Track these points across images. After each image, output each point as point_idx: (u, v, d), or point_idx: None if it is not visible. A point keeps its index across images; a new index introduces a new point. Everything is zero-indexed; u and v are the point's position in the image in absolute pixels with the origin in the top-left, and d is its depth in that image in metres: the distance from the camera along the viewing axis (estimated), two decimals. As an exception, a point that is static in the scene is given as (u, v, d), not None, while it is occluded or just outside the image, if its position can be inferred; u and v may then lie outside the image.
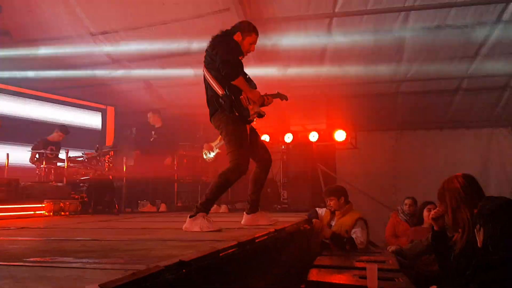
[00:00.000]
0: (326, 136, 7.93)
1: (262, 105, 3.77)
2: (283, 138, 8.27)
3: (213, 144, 7.66)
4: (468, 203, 2.90)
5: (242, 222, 3.87)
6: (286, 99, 4.00)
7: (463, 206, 2.92)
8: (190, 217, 3.40)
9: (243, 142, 3.59)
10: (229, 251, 2.22)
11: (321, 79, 8.52)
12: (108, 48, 7.97)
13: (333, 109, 8.42)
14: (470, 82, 8.59)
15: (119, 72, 8.76)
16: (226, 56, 3.49)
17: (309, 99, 8.34)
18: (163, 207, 7.71)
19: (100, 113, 9.89)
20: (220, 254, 2.11)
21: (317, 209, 5.42)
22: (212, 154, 7.66)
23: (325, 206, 5.54)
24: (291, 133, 8.19)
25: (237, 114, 3.55)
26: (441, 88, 8.79)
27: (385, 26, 7.27)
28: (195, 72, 8.14)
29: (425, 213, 5.22)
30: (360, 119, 8.76)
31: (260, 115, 3.67)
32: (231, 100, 3.52)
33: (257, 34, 3.81)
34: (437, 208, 3.20)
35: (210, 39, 3.69)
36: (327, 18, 7.22)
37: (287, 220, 4.37)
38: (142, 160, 7.99)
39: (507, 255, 2.13)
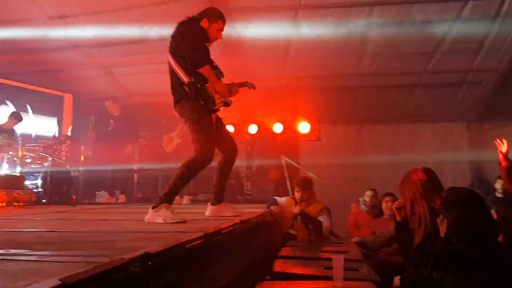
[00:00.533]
0: (290, 127, 7.94)
1: (229, 94, 3.69)
2: (248, 129, 8.22)
3: (172, 135, 7.55)
4: (426, 196, 2.98)
5: (207, 214, 3.80)
6: (254, 88, 3.94)
7: (421, 199, 2.99)
8: (152, 208, 3.31)
9: (208, 131, 3.52)
10: (196, 242, 2.15)
11: (286, 71, 8.52)
12: (66, 33, 7.62)
13: (298, 101, 8.44)
14: (429, 78, 8.81)
15: (78, 58, 8.42)
16: (192, 43, 3.40)
17: (274, 90, 8.32)
18: (122, 198, 7.52)
19: (58, 100, 9.50)
20: (186, 246, 2.04)
21: (276, 197, 5.45)
22: (172, 145, 7.54)
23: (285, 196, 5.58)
24: (256, 124, 8.15)
25: (202, 102, 3.47)
26: (402, 83, 8.98)
27: (350, 20, 7.33)
28: (157, 60, 7.94)
29: (384, 204, 5.35)
30: (324, 112, 8.82)
31: (227, 104, 3.60)
32: (197, 88, 3.43)
33: (224, 21, 3.72)
34: (400, 200, 3.26)
35: (176, 25, 3.58)
36: (293, 10, 7.21)
37: (252, 211, 4.34)
38: (100, 149, 7.76)
39: (470, 245, 2.17)
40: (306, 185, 5.07)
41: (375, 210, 5.70)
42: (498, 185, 6.56)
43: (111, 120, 7.71)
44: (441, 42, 7.68)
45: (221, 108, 3.61)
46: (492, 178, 7.56)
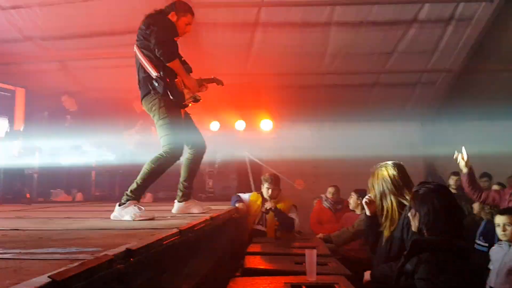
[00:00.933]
0: (252, 125, 7.94)
1: (198, 89, 3.64)
2: (209, 126, 8.15)
3: (132, 131, 7.37)
4: (395, 191, 3.04)
5: (173, 211, 3.74)
6: (222, 84, 3.91)
7: (389, 194, 3.05)
8: (119, 205, 3.22)
9: (177, 127, 3.46)
10: (172, 239, 2.12)
11: (248, 68, 8.51)
12: (19, 24, 7.27)
13: (259, 98, 8.44)
14: (386, 77, 9.04)
15: (31, 51, 8.05)
16: (162, 36, 3.32)
17: (236, 87, 8.28)
18: (79, 197, 7.27)
19: (9, 94, 9.04)
20: (164, 242, 2.00)
21: (239, 194, 5.45)
22: (133, 141, 7.37)
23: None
24: (218, 121, 8.09)
25: (171, 97, 3.40)
26: (360, 82, 9.17)
27: (312, 19, 7.42)
28: (115, 55, 7.72)
29: (349, 200, 5.45)
30: (285, 110, 8.87)
31: (196, 100, 3.55)
32: (166, 82, 3.36)
33: (192, 15, 3.67)
34: (369, 195, 3.32)
35: (144, 18, 3.49)
36: (256, 7, 7.21)
37: (218, 208, 4.30)
38: (56, 146, 7.46)
39: (441, 235, 2.24)
40: (276, 182, 5.09)
41: (338, 206, 5.80)
42: (452, 181, 6.81)
43: (68, 116, 7.44)
44: (398, 42, 7.89)
45: (190, 104, 3.56)
46: (445, 174, 7.86)
